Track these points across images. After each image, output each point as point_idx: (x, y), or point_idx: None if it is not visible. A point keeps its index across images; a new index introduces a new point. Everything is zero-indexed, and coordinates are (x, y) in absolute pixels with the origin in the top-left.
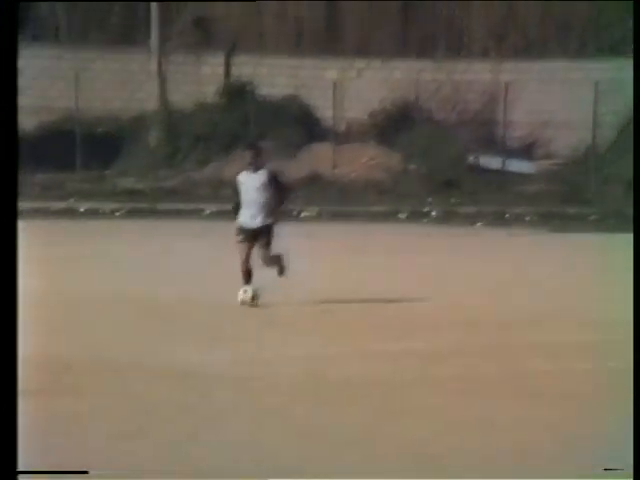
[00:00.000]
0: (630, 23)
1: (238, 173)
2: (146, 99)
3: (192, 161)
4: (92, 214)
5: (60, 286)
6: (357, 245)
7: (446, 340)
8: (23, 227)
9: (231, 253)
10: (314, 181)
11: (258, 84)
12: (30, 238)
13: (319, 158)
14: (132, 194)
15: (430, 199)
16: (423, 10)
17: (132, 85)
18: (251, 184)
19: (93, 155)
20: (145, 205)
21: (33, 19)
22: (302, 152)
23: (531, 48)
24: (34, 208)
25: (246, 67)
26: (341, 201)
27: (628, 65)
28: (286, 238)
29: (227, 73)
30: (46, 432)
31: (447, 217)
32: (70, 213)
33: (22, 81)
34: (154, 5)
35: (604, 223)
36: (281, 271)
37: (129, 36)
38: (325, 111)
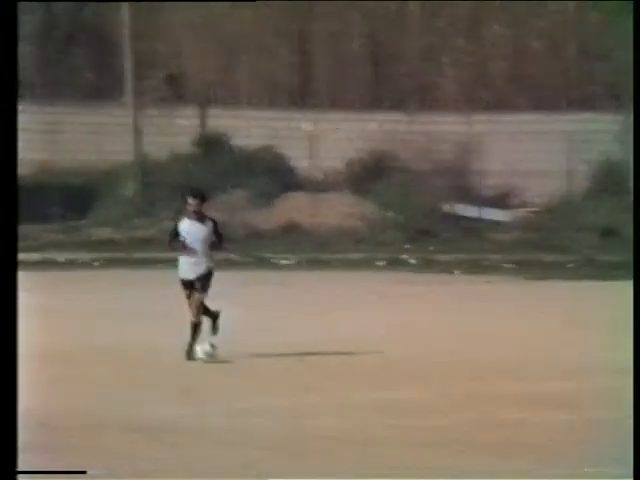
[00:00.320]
0: (599, 78)
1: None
2: (121, 151)
3: (167, 210)
4: (70, 264)
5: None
6: (335, 293)
7: (423, 391)
8: None
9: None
10: (291, 230)
11: (233, 135)
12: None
13: (295, 207)
14: (108, 244)
15: (408, 246)
16: (394, 65)
17: (107, 137)
18: (195, 233)
19: (69, 206)
20: (121, 254)
21: None
22: (278, 201)
23: (502, 101)
24: None
25: (221, 119)
26: (318, 249)
27: (598, 118)
28: (262, 286)
29: (202, 124)
30: None
31: (425, 265)
32: (47, 264)
33: None
34: (127, 61)
35: (580, 271)
36: (214, 329)
37: (104, 91)
38: (300, 161)
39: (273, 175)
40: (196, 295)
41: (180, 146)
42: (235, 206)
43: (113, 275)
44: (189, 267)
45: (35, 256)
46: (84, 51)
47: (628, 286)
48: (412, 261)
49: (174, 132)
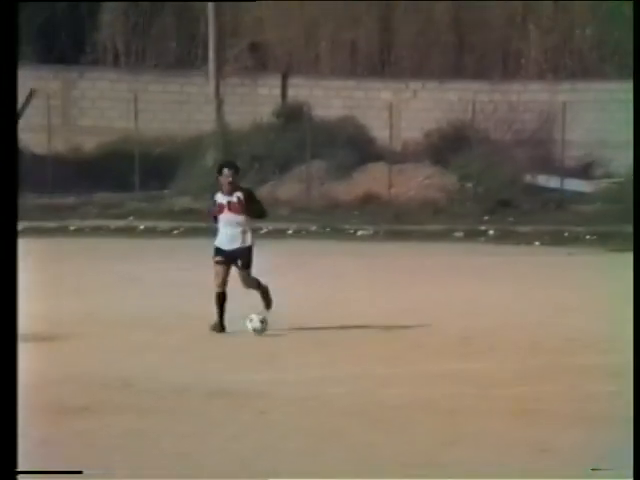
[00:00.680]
0: None
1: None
2: (203, 121)
3: (248, 181)
4: (150, 232)
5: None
6: (414, 264)
7: (506, 363)
8: (85, 244)
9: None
10: (369, 201)
11: (314, 105)
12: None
13: (375, 178)
14: (189, 213)
15: (487, 217)
16: (478, 32)
17: (189, 107)
18: (230, 205)
19: (151, 175)
20: (202, 224)
21: (93, 44)
22: (357, 172)
23: (588, 69)
24: (94, 226)
25: (302, 89)
26: (397, 220)
27: None
28: (341, 257)
29: (283, 95)
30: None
31: (504, 236)
32: (129, 231)
33: (83, 103)
34: (211, 30)
35: None
36: (267, 304)
37: (186, 60)
38: (380, 131)
39: (353, 146)
40: (241, 273)
41: (261, 116)
42: (314, 177)
43: (192, 244)
44: (225, 238)
45: (118, 223)
46: (168, 20)
47: None
48: (491, 232)
49: (256, 102)
